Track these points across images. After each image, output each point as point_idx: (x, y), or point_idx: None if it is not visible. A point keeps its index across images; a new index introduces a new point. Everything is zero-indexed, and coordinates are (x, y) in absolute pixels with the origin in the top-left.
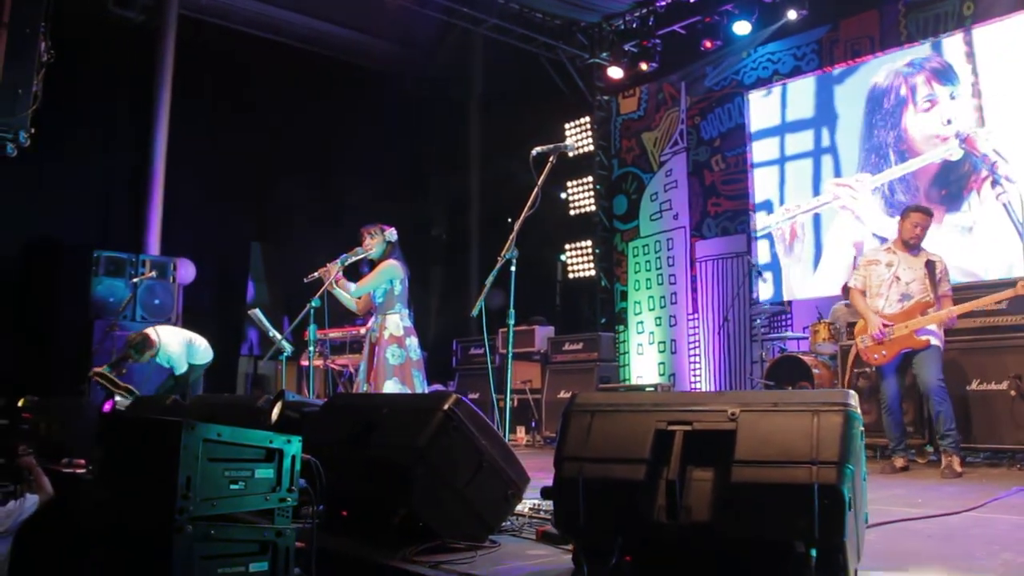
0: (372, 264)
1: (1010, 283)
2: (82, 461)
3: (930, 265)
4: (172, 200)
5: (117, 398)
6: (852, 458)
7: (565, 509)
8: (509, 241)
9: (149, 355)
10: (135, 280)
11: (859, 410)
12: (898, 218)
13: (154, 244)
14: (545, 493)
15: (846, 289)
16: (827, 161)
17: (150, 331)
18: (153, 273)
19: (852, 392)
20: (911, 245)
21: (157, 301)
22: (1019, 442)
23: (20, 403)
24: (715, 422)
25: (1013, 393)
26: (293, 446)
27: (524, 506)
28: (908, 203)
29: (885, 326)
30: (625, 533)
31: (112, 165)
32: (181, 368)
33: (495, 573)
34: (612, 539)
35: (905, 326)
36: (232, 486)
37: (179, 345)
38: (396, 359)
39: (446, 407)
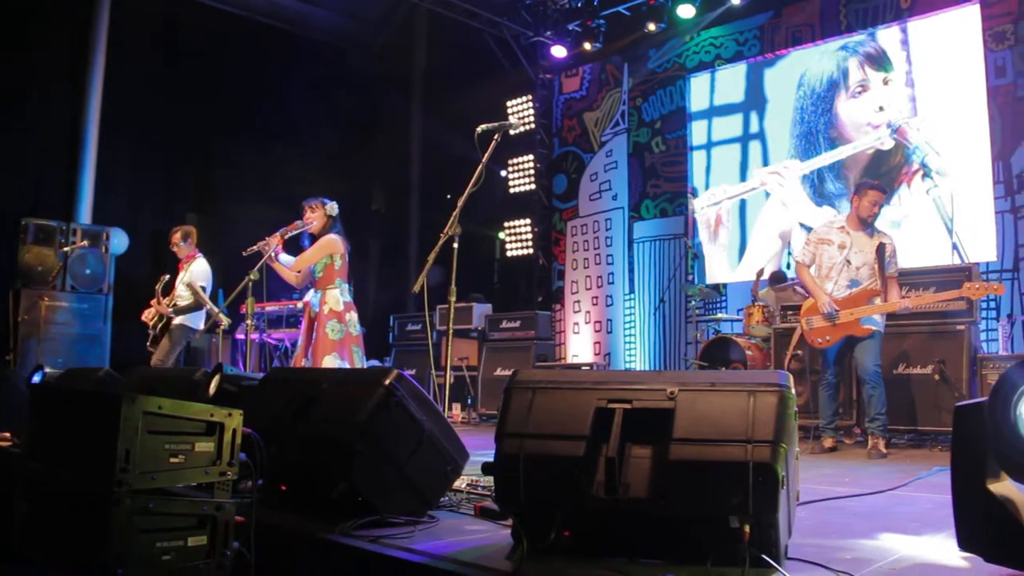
0: (313, 238)
1: (960, 268)
2: (7, 434)
3: (881, 248)
4: (105, 168)
5: (47, 369)
6: (786, 437)
7: (505, 485)
8: (452, 218)
9: (191, 243)
10: (66, 249)
11: (793, 391)
12: (853, 196)
13: (86, 212)
14: (486, 469)
15: (773, 278)
16: (755, 147)
17: None
18: (85, 242)
19: (787, 374)
20: (867, 224)
21: (88, 271)
22: (940, 424)
23: None
24: (654, 401)
25: (936, 378)
26: (234, 419)
27: (461, 482)
28: (836, 193)
29: (834, 308)
30: (564, 508)
31: (44, 130)
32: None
33: (435, 548)
34: (551, 514)
35: (851, 313)
36: (172, 459)
37: (207, 273)
38: (336, 334)
39: (387, 382)
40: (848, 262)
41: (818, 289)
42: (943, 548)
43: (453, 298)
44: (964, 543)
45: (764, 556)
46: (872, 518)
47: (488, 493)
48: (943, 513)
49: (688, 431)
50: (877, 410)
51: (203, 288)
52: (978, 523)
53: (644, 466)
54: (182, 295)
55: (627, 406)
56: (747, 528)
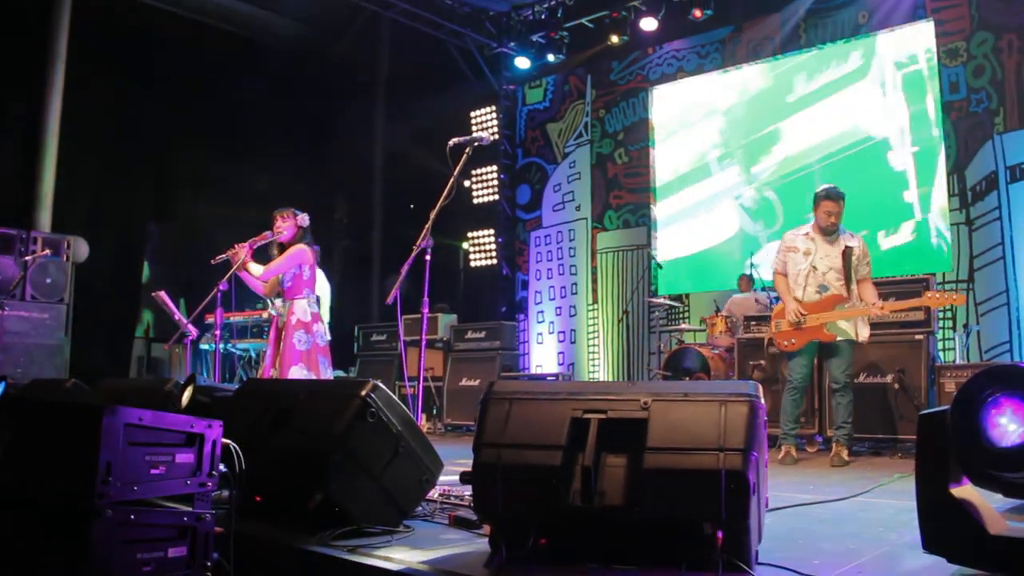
0: (281, 248)
1: (918, 280)
2: None
3: (847, 253)
4: (65, 175)
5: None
6: (756, 445)
7: (483, 494)
8: (425, 231)
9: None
10: (27, 258)
11: (763, 400)
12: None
13: (46, 220)
14: (464, 478)
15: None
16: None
17: None
18: (46, 251)
19: (757, 384)
20: (828, 232)
21: (49, 280)
22: (900, 432)
23: None
24: (628, 411)
25: (897, 386)
26: (214, 431)
27: (434, 492)
28: None
29: (800, 314)
30: (541, 517)
31: (2, 137)
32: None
33: (413, 557)
34: (529, 523)
35: (817, 318)
36: (152, 471)
37: (326, 288)
38: (303, 344)
39: (363, 393)
40: (814, 268)
41: (788, 296)
42: (907, 551)
43: (427, 309)
44: (928, 545)
45: (736, 561)
46: (838, 523)
47: (461, 503)
48: (906, 518)
49: (661, 440)
50: (843, 418)
51: (317, 300)
52: (941, 525)
53: (619, 474)
54: None
55: (602, 416)
56: (719, 534)
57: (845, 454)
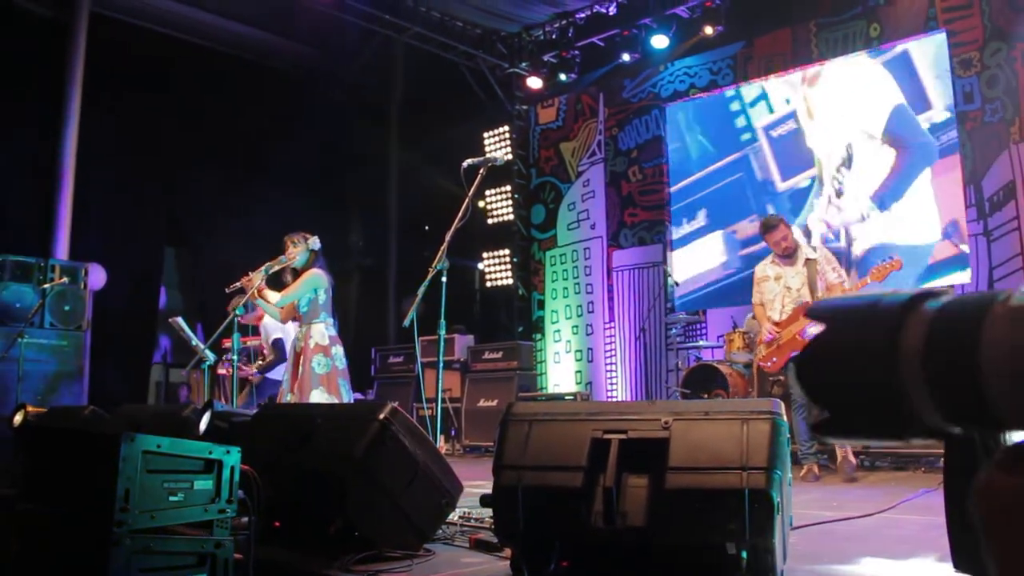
0: (295, 273)
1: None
2: None
3: (809, 264)
4: (82, 202)
5: (29, 407)
6: (780, 464)
7: (504, 516)
8: (440, 252)
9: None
10: (45, 286)
11: (785, 418)
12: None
13: (62, 247)
14: (484, 501)
15: None
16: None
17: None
18: (65, 279)
19: (779, 401)
20: (786, 256)
21: (67, 307)
22: (922, 446)
23: None
24: (649, 431)
25: None
26: (232, 457)
27: (454, 515)
28: None
29: (775, 332)
30: (563, 539)
31: (18, 165)
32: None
33: None
34: (550, 545)
35: (790, 330)
36: (171, 498)
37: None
38: (322, 368)
39: (382, 416)
40: (788, 288)
41: (764, 320)
42: (936, 569)
43: (443, 331)
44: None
45: None
46: (863, 541)
47: (482, 525)
48: (933, 535)
49: (683, 459)
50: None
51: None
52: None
53: (641, 495)
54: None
55: (622, 436)
56: (744, 554)
57: (851, 455)
